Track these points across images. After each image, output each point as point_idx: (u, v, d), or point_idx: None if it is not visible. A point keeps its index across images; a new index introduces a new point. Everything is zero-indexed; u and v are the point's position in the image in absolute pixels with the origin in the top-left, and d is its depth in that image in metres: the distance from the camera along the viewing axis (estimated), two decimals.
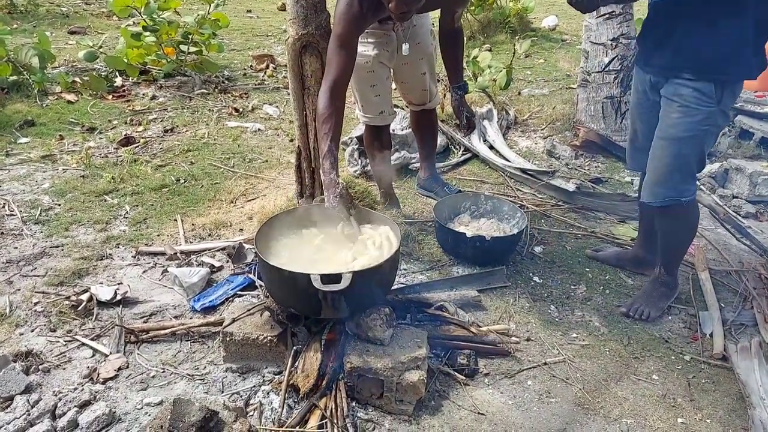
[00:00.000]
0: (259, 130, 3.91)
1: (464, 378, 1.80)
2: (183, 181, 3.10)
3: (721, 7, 1.68)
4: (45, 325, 1.99)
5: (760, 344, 1.96)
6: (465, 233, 2.40)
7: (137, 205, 2.83)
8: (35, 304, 2.09)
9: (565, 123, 3.81)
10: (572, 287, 2.35)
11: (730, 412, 1.74)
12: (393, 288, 2.05)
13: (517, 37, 4.96)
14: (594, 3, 1.73)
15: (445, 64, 2.52)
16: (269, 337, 1.75)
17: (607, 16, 3.38)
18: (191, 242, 2.54)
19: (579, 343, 2.01)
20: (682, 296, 2.27)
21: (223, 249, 2.42)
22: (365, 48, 2.36)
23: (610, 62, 3.40)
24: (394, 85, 2.63)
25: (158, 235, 2.59)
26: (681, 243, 2.13)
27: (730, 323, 2.11)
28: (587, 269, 2.45)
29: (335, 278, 1.59)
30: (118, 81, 4.58)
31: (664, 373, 1.89)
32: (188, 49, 4.69)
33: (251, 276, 2.21)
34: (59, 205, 2.78)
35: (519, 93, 4.68)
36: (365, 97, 2.48)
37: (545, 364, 1.90)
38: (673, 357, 1.97)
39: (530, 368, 1.88)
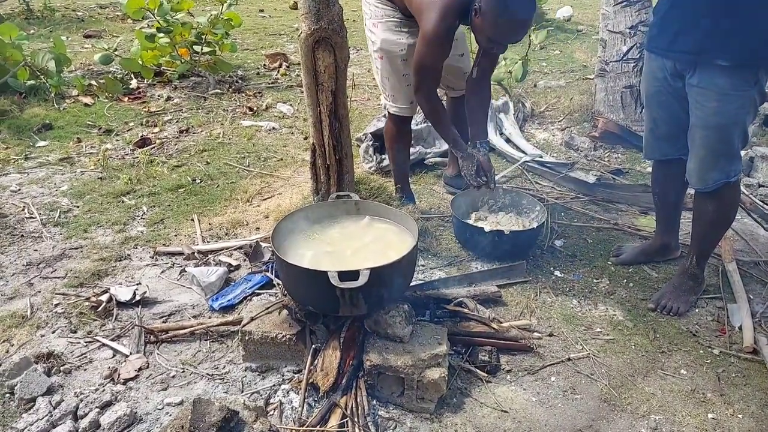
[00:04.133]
0: (273, 128, 3.91)
1: (486, 375, 1.77)
2: (199, 181, 3.10)
3: None
4: (66, 326, 2.00)
5: None
6: (483, 228, 2.36)
7: (154, 206, 2.84)
8: (56, 305, 2.11)
9: (583, 114, 3.75)
10: (595, 281, 2.30)
11: (762, 406, 1.69)
12: (411, 284, 2.03)
13: (532, 28, 4.88)
14: None
15: (470, 116, 2.43)
16: (288, 336, 1.73)
17: (624, 3, 3.30)
18: (208, 242, 2.54)
19: (603, 338, 1.97)
20: (710, 288, 2.21)
21: (240, 248, 2.41)
22: (399, 36, 2.35)
23: (628, 51, 3.33)
24: None
25: (176, 235, 2.59)
26: (722, 227, 2.09)
27: (759, 315, 2.05)
28: (609, 262, 2.40)
29: (353, 275, 1.57)
30: (134, 83, 4.61)
31: (692, 367, 1.84)
32: (201, 49, 4.71)
33: (269, 274, 2.20)
34: (78, 207, 2.81)
35: (535, 85, 4.62)
36: (397, 87, 2.46)
37: (569, 359, 1.86)
38: (701, 351, 1.91)
39: (553, 364, 1.84)
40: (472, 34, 2.42)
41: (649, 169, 3.17)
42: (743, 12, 1.66)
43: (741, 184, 2.87)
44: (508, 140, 3.55)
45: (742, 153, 3.00)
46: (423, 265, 2.37)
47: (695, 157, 1.93)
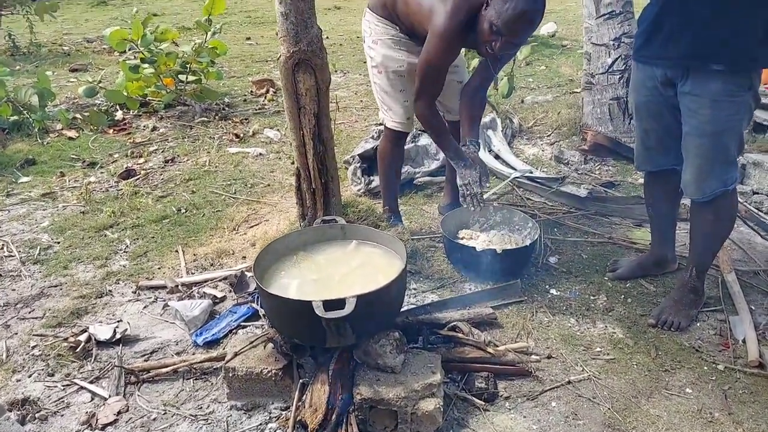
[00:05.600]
0: (260, 154, 3.86)
1: (484, 403, 1.69)
2: (184, 210, 3.04)
3: None
4: (43, 369, 1.91)
5: None
6: (474, 247, 2.30)
7: (138, 239, 2.76)
8: (33, 347, 2.02)
9: (572, 128, 3.72)
10: (592, 298, 2.23)
11: None
12: (402, 309, 1.95)
13: None
14: None
15: (462, 116, 2.39)
16: (274, 371, 1.65)
17: (606, 16, 3.30)
18: (193, 273, 2.46)
19: (603, 358, 1.89)
20: (710, 301, 2.15)
21: (225, 278, 2.34)
22: (399, 54, 2.33)
23: (613, 62, 3.32)
24: None
25: (159, 268, 2.51)
26: (721, 237, 2.04)
27: (762, 327, 1.99)
28: (606, 278, 2.33)
29: (339, 304, 1.50)
30: (119, 115, 4.57)
31: (697, 385, 1.77)
32: (187, 78, 4.68)
33: (255, 305, 2.12)
34: (58, 243, 2.73)
35: (522, 101, 4.60)
36: (394, 102, 2.41)
37: (569, 383, 1.78)
38: (705, 367, 1.84)
39: (553, 388, 1.76)
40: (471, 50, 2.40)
41: (641, 181, 3.12)
42: (736, 15, 1.63)
43: None
44: (497, 156, 3.51)
45: None
46: (414, 289, 2.30)
47: (691, 166, 1.89)
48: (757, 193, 2.79)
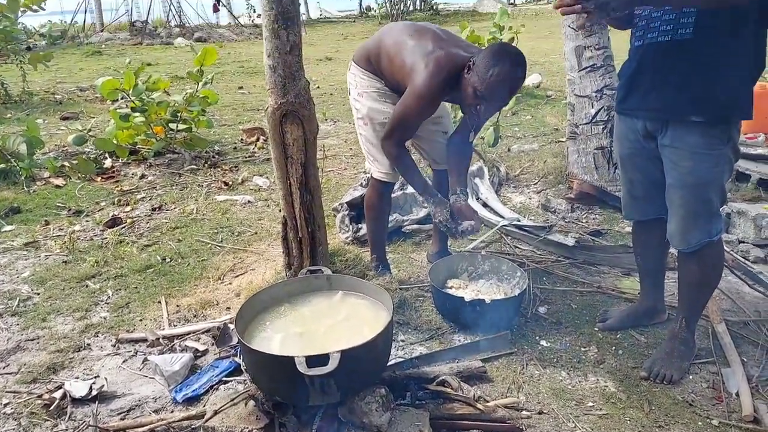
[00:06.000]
0: (249, 202, 3.85)
1: None
2: (169, 260, 2.99)
3: (723, 47, 1.64)
4: (14, 429, 1.82)
5: None
6: (463, 297, 2.27)
7: (120, 289, 2.70)
8: (5, 405, 1.93)
9: (558, 176, 3.76)
10: (582, 349, 2.19)
11: None
12: (389, 363, 1.91)
13: None
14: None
15: (450, 167, 2.44)
16: (255, 431, 1.58)
17: (588, 69, 3.40)
18: (175, 325, 2.40)
19: (596, 413, 1.84)
20: (702, 352, 2.12)
21: (208, 331, 2.27)
22: (384, 106, 2.37)
23: (597, 113, 3.39)
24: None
25: (141, 320, 2.45)
26: (708, 288, 2.03)
27: (756, 379, 1.95)
28: (596, 328, 2.30)
29: (322, 360, 1.45)
30: (108, 162, 4.57)
31: None
32: (177, 126, 4.72)
33: (237, 360, 2.06)
34: (38, 294, 2.66)
35: (509, 150, 4.67)
36: (380, 153, 2.42)
37: None
38: (700, 423, 1.79)
39: None
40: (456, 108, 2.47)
41: (628, 229, 3.15)
42: (711, 69, 1.67)
43: None
44: (485, 205, 3.53)
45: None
46: (402, 340, 2.26)
47: (675, 217, 1.90)
48: (743, 242, 2.81)
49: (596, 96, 3.39)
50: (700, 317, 2.18)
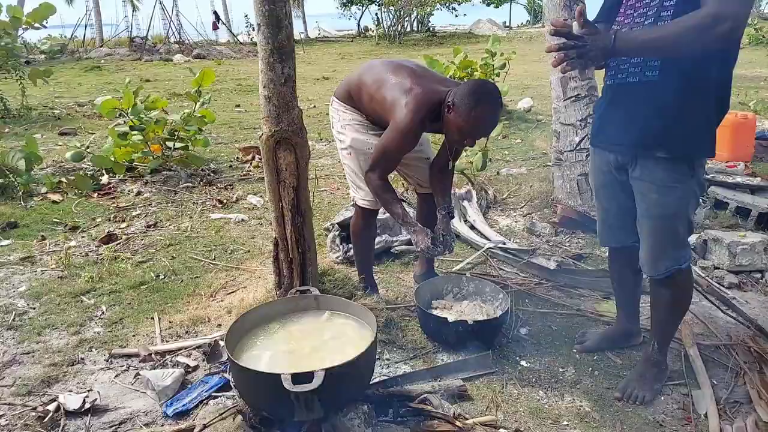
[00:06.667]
0: (242, 220, 3.94)
1: None
2: (163, 276, 3.07)
3: (688, 89, 1.74)
4: None
5: (756, 423, 1.88)
6: (446, 318, 2.36)
7: (114, 305, 2.77)
8: (0, 417, 1.99)
9: (543, 201, 3.88)
10: (560, 370, 2.28)
11: None
12: (374, 381, 1.98)
13: None
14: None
15: (434, 188, 2.58)
16: None
17: (573, 98, 3.53)
18: (167, 341, 2.47)
19: None
20: (674, 374, 2.20)
21: (199, 347, 2.35)
22: (367, 137, 2.47)
23: (580, 141, 3.52)
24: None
25: (134, 336, 2.52)
26: (679, 313, 2.12)
27: (723, 401, 2.04)
28: (574, 350, 2.39)
29: (307, 377, 1.53)
30: (105, 179, 4.66)
31: None
32: (174, 145, 4.82)
33: (227, 375, 2.13)
34: (34, 308, 2.73)
35: (498, 173, 4.80)
36: (364, 182, 2.52)
37: None
38: None
39: None
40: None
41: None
42: (676, 109, 1.78)
43: (697, 266, 2.98)
44: (472, 227, 3.63)
45: (695, 237, 3.13)
46: (388, 359, 2.33)
47: (645, 245, 2.00)
48: (718, 268, 2.91)
49: (580, 125, 3.52)
50: (674, 340, 2.28)
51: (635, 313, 2.38)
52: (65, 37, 18.02)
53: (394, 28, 22.42)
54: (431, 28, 24.86)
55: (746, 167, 4.22)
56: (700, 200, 3.54)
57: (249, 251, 3.42)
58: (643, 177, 1.90)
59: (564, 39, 1.65)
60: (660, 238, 1.94)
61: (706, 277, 2.85)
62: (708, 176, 3.82)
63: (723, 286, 2.81)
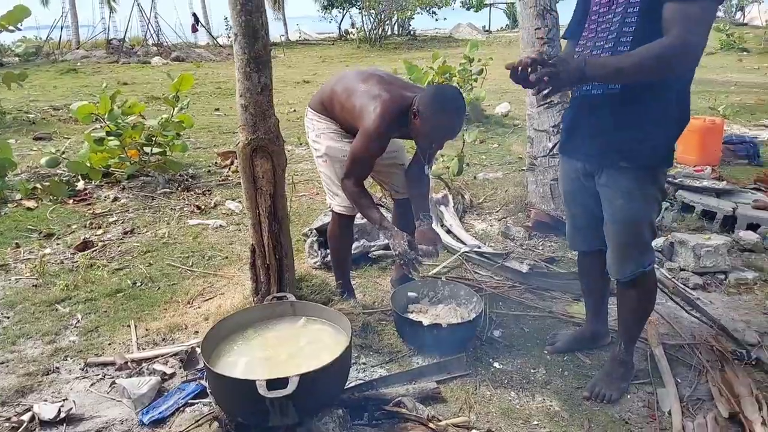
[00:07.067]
0: (220, 226, 3.95)
1: None
2: (139, 284, 3.07)
3: (649, 103, 1.82)
4: None
5: (716, 419, 1.96)
6: (421, 322, 2.40)
7: (90, 313, 2.77)
8: None
9: (518, 205, 3.96)
10: (532, 371, 2.34)
11: None
12: (350, 385, 2.02)
13: (465, 128, 5.26)
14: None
15: (412, 194, 2.62)
16: None
17: (546, 105, 3.62)
18: (144, 349, 2.48)
19: (540, 431, 1.98)
20: (640, 373, 2.28)
21: (176, 354, 2.36)
22: (342, 145, 2.52)
23: (553, 147, 3.60)
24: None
25: (110, 344, 2.52)
26: (644, 314, 2.20)
27: (686, 399, 2.12)
28: (545, 351, 2.45)
29: (282, 383, 1.56)
30: (80, 185, 4.61)
31: None
32: (152, 150, 4.80)
33: (204, 382, 2.14)
34: (8, 317, 2.71)
35: (475, 177, 4.87)
36: (340, 189, 2.55)
37: None
38: None
39: None
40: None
41: None
42: (639, 123, 1.86)
43: (664, 268, 3.07)
44: (448, 231, 3.69)
45: (662, 239, 3.23)
46: (364, 363, 2.37)
47: (611, 249, 2.08)
48: (684, 270, 3.01)
49: (553, 131, 3.60)
50: (640, 340, 2.36)
51: (603, 314, 2.45)
52: (40, 39, 17.69)
53: (374, 32, 22.48)
54: (412, 32, 24.99)
55: (713, 171, 4.36)
56: (668, 204, 3.65)
57: (227, 257, 3.43)
58: (608, 184, 1.98)
59: (539, 65, 1.70)
60: (625, 243, 2.01)
61: (673, 279, 2.95)
62: (676, 180, 3.95)
63: (688, 287, 2.90)
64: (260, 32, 2.10)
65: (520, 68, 1.74)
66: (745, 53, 15.74)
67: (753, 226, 3.45)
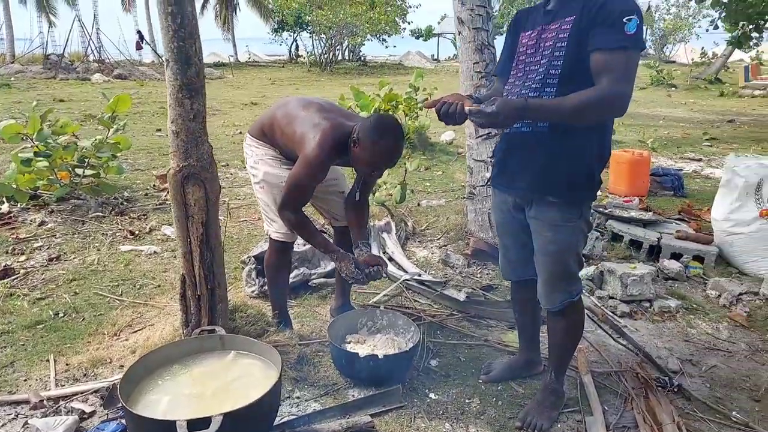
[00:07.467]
0: (155, 252, 3.80)
1: None
2: (62, 314, 2.90)
3: (573, 141, 1.91)
4: None
5: None
6: (357, 353, 2.38)
7: (5, 346, 2.58)
8: None
9: (458, 233, 4.02)
10: (467, 401, 2.35)
11: None
12: (281, 422, 1.96)
13: (408, 156, 5.35)
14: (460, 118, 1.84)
15: (351, 223, 2.63)
16: None
17: (484, 137, 3.72)
18: (62, 385, 2.33)
19: None
20: (570, 401, 2.33)
21: (97, 391, 2.23)
22: (280, 171, 2.50)
23: (491, 177, 3.69)
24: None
25: (26, 380, 2.36)
26: (573, 343, 2.26)
27: (613, 426, 2.18)
28: (480, 381, 2.48)
29: (204, 423, 1.50)
30: (5, 207, 4.35)
31: None
32: (84, 172, 4.59)
33: (124, 422, 2.03)
34: None
35: (419, 204, 4.93)
36: (277, 215, 2.52)
37: None
38: None
39: None
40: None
41: None
42: (563, 159, 1.94)
43: (594, 296, 3.18)
44: (390, 259, 3.70)
45: (593, 268, 3.36)
46: (298, 397, 2.31)
47: (540, 280, 2.14)
48: (612, 298, 3.13)
49: (491, 161, 3.69)
50: (571, 368, 2.42)
51: (536, 343, 2.51)
52: None
53: (325, 56, 22.67)
54: (363, 58, 25.36)
55: (641, 201, 4.59)
56: (598, 234, 3.81)
57: (159, 285, 3.30)
58: (537, 216, 2.05)
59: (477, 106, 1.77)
60: (554, 272, 2.08)
61: (602, 306, 3.06)
62: (606, 210, 4.13)
63: (616, 314, 3.02)
64: (193, 59, 2.07)
65: (441, 109, 1.83)
66: (673, 89, 16.85)
67: (676, 256, 3.64)
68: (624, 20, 1.72)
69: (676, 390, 2.39)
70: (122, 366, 2.45)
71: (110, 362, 2.49)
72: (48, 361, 2.48)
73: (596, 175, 2.00)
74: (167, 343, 2.19)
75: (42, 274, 3.38)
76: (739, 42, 10.15)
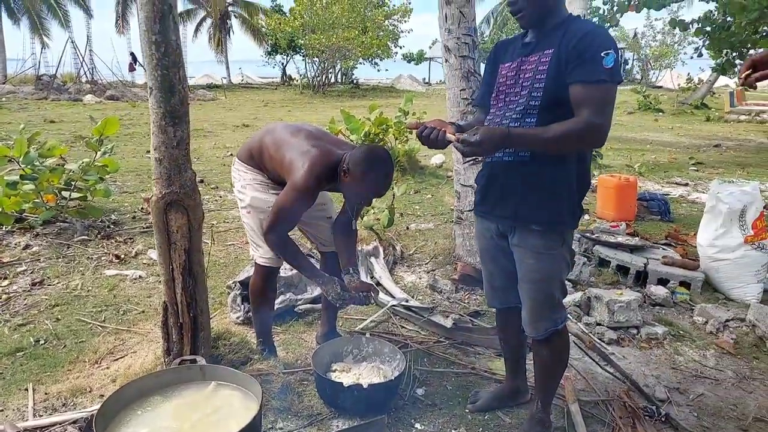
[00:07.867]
0: (140, 277, 3.76)
1: None
2: (43, 341, 2.85)
3: (554, 170, 1.93)
4: None
5: None
6: (341, 383, 2.34)
7: None
8: None
9: (446, 257, 4.02)
10: (453, 431, 2.31)
11: None
12: None
13: (396, 181, 5.37)
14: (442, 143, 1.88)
15: (339, 248, 2.63)
16: None
17: (471, 162, 3.74)
18: (41, 415, 2.27)
19: None
20: (557, 431, 2.30)
21: (75, 422, 2.18)
22: (267, 196, 2.50)
23: (474, 204, 3.71)
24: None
25: (2, 410, 2.30)
26: (558, 371, 2.24)
27: None
28: (467, 410, 2.44)
29: None
30: None
31: None
32: (71, 195, 4.56)
33: None
34: None
35: (407, 227, 4.93)
36: (263, 241, 2.50)
37: None
38: None
39: None
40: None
41: None
42: (545, 187, 1.96)
43: (582, 323, 3.18)
44: (378, 284, 3.68)
45: (580, 294, 3.35)
46: (281, 428, 2.27)
47: (525, 307, 2.13)
48: (600, 325, 3.12)
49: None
50: (558, 397, 2.40)
51: (522, 371, 2.49)
52: None
53: (318, 79, 22.88)
54: (355, 81, 25.61)
55: (628, 226, 4.61)
56: (585, 259, 3.82)
57: (143, 311, 3.26)
58: (520, 244, 2.05)
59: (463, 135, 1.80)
60: (538, 300, 2.07)
61: (589, 333, 3.05)
62: (593, 236, 4.15)
63: (603, 341, 3.00)
64: (177, 87, 2.07)
65: (423, 132, 1.87)
66: (660, 114, 17.11)
67: (663, 281, 3.65)
68: (602, 54, 1.75)
69: (663, 419, 2.38)
70: (102, 395, 2.40)
71: (90, 391, 2.44)
72: (27, 390, 2.43)
73: (578, 203, 2.02)
74: (148, 372, 2.16)
75: (24, 299, 3.33)
76: (723, 69, 10.35)
